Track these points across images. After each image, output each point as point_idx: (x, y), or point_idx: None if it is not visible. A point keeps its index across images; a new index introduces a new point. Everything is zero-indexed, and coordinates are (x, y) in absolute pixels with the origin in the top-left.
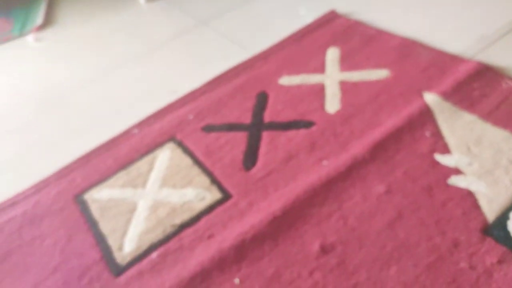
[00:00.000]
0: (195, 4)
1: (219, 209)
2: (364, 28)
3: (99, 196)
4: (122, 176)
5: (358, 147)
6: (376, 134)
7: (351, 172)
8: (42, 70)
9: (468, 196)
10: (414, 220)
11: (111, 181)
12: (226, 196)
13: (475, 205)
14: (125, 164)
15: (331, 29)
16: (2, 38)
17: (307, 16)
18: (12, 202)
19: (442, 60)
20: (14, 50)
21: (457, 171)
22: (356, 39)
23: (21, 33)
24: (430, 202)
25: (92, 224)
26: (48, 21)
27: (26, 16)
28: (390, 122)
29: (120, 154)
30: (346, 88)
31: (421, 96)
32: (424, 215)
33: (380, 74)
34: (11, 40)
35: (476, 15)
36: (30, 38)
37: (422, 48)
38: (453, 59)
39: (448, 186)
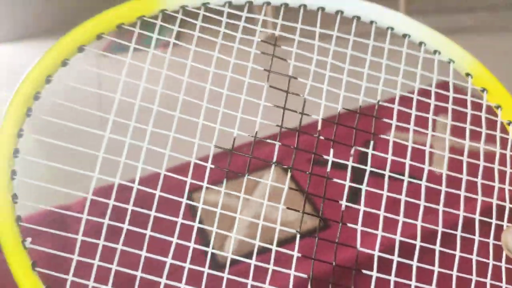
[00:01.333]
0: None
1: (319, 235)
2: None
3: (206, 198)
4: (229, 186)
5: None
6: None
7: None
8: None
9: None
10: None
11: (219, 188)
12: (325, 225)
13: None
14: (234, 176)
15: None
16: (134, 47)
17: None
18: (128, 185)
19: None
20: (145, 59)
21: None
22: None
23: (152, 45)
24: None
25: (197, 221)
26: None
27: (157, 30)
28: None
29: (231, 166)
30: (454, 153)
31: None
32: None
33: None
34: (141, 51)
35: None
36: (160, 52)
37: None
38: None
39: None
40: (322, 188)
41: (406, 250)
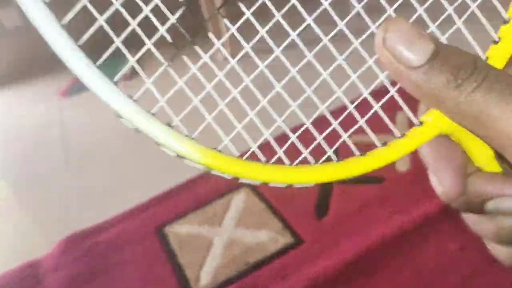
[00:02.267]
0: None
1: (292, 253)
2: None
3: (178, 231)
4: (200, 214)
5: (430, 205)
6: None
7: (423, 228)
8: None
9: None
10: (489, 279)
11: (190, 217)
12: (298, 241)
13: None
14: (203, 203)
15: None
16: None
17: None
18: (99, 229)
19: None
20: None
21: None
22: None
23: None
24: None
25: (170, 256)
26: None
27: (114, 63)
28: None
29: (198, 194)
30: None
31: None
32: (498, 274)
33: None
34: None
35: None
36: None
37: None
38: None
39: None
40: (293, 203)
41: None
